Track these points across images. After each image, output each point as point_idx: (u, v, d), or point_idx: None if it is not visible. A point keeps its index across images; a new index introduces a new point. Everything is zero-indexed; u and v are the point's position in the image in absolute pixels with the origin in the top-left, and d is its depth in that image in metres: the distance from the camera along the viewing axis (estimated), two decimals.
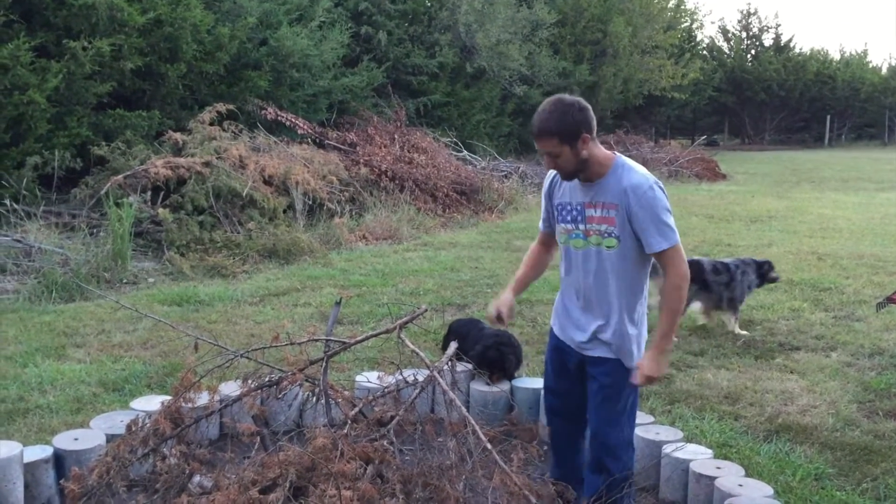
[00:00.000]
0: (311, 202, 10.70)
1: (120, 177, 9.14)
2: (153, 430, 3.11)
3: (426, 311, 4.04)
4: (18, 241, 8.05)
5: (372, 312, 6.95)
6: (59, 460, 3.69)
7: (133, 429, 3.17)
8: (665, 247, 2.97)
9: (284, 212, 10.28)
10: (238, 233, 9.39)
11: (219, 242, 9.06)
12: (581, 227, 3.11)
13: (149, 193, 9.26)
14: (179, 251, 8.76)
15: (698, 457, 3.81)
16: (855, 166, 24.75)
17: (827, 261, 9.41)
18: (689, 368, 5.66)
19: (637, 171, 3.01)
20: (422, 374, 4.10)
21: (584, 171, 3.04)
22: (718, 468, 3.67)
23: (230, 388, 4.10)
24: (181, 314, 6.86)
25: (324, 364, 3.71)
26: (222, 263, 8.59)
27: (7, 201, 8.65)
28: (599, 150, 3.04)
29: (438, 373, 4.17)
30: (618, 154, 3.10)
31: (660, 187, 2.99)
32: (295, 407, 4.39)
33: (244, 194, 9.67)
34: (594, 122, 3.01)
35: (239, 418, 3.90)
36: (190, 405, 3.30)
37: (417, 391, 3.70)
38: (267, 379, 3.60)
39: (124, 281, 8.00)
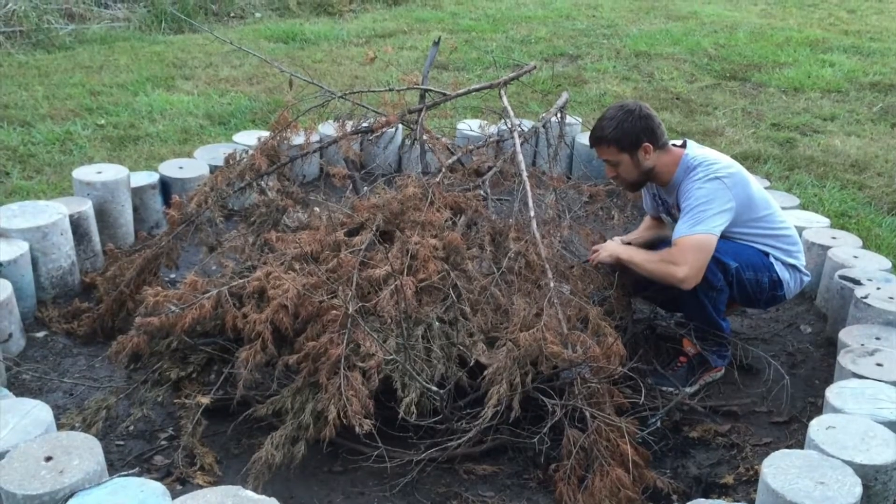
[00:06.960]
0: None
1: None
2: (249, 165, 3.10)
3: (535, 68, 3.76)
4: None
5: (479, 60, 6.66)
6: (165, 186, 3.80)
7: (231, 162, 3.16)
8: (679, 235, 2.67)
9: None
10: None
11: None
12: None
13: None
14: None
15: (813, 225, 3.59)
16: None
17: None
18: (815, 133, 5.26)
19: (698, 171, 2.72)
20: (526, 125, 3.92)
21: (651, 181, 2.90)
22: (834, 238, 3.46)
23: (330, 130, 4.05)
24: (286, 51, 6.76)
25: (420, 115, 3.56)
26: (329, 0, 8.34)
27: None
28: (668, 155, 2.81)
29: (545, 125, 3.98)
30: (686, 149, 2.82)
31: (717, 179, 2.68)
32: (392, 151, 4.33)
33: None
34: (659, 129, 2.79)
35: (337, 160, 3.86)
36: (287, 144, 3.25)
37: (519, 142, 3.54)
38: (364, 124, 3.49)
39: (231, 15, 7.89)
